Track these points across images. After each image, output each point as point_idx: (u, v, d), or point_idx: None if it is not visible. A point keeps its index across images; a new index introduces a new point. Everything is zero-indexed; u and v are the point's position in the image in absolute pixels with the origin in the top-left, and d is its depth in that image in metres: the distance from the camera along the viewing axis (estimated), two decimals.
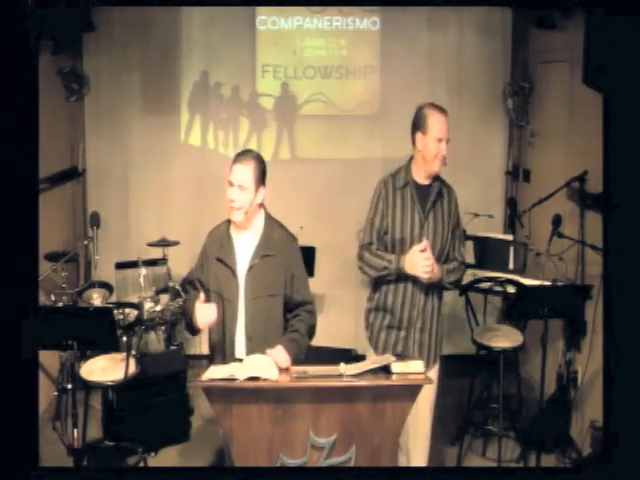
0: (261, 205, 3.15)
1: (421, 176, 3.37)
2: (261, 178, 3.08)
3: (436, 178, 3.39)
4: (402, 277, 3.34)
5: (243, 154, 3.11)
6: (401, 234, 3.36)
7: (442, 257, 3.39)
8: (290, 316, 3.17)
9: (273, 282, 3.11)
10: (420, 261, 3.24)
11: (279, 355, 2.95)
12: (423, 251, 3.23)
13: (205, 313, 3.07)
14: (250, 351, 3.07)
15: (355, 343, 4.97)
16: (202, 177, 5.64)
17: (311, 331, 3.21)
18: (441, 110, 3.33)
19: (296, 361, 3.02)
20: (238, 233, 3.15)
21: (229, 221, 3.17)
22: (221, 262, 3.12)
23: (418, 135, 3.32)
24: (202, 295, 3.10)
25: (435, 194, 3.37)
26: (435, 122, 3.30)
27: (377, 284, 3.45)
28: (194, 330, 3.16)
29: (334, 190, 5.48)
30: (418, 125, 3.32)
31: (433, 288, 3.39)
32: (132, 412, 4.23)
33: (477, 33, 5.62)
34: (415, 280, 3.32)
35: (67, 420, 4.29)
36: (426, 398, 3.25)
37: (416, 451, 3.51)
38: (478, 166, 5.76)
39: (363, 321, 3.56)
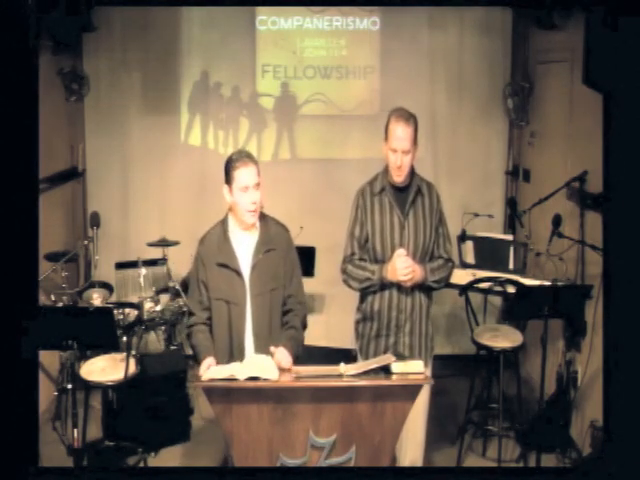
0: None
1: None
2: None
3: (414, 177, 3.36)
4: (386, 284, 3.32)
5: (240, 158, 3.06)
6: (381, 239, 3.33)
7: (427, 256, 3.36)
8: (284, 309, 3.19)
9: (275, 276, 3.13)
10: (399, 265, 3.22)
11: (282, 356, 2.97)
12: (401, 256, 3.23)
13: (211, 374, 2.91)
14: (257, 348, 3.09)
15: (355, 343, 4.97)
16: (202, 177, 5.64)
17: (304, 322, 3.23)
18: (405, 119, 3.22)
19: (295, 356, 3.04)
20: (236, 234, 3.13)
21: (222, 224, 3.16)
22: (223, 266, 3.10)
23: (384, 142, 3.30)
24: (212, 351, 3.06)
25: (413, 194, 3.34)
26: (392, 132, 3.23)
27: (363, 294, 3.43)
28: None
29: (334, 190, 5.48)
30: (385, 131, 3.29)
31: (419, 289, 3.35)
32: (132, 412, 4.23)
33: (477, 33, 5.62)
34: (399, 285, 3.30)
35: (67, 420, 4.29)
36: (419, 400, 3.22)
37: (410, 453, 3.48)
38: (478, 166, 5.76)
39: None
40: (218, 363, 3.02)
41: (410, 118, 3.24)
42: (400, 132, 3.21)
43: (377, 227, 3.34)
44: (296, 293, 3.20)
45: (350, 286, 3.40)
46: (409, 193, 3.34)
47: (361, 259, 3.38)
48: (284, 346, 3.02)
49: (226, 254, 3.11)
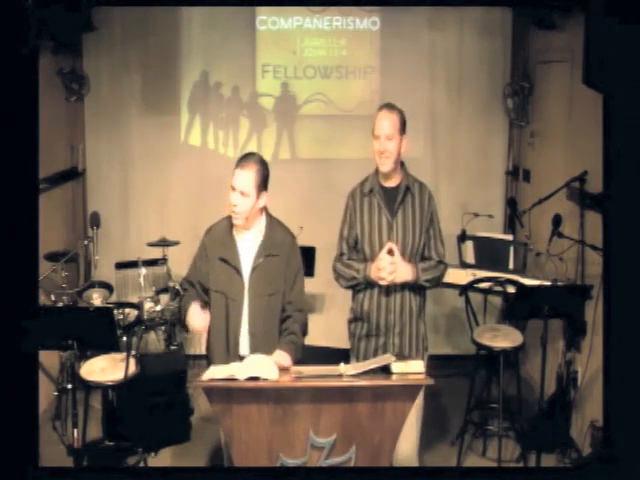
0: (263, 208, 3.16)
1: (386, 179, 3.35)
2: (263, 183, 3.09)
3: (405, 177, 3.36)
4: (375, 284, 3.31)
5: (245, 158, 3.10)
6: (370, 240, 3.34)
7: (416, 256, 3.35)
8: (284, 315, 3.19)
9: (275, 280, 3.14)
10: (375, 265, 3.24)
11: (280, 358, 2.99)
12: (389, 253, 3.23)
13: (198, 320, 3.10)
14: (253, 347, 3.12)
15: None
16: (202, 177, 5.65)
17: (304, 329, 3.24)
18: (388, 108, 3.28)
19: (294, 361, 3.05)
20: (240, 233, 3.16)
21: (230, 220, 3.17)
22: (225, 262, 3.13)
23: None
24: (199, 302, 3.13)
25: (402, 194, 3.33)
26: (375, 121, 3.28)
27: (355, 294, 3.44)
28: (186, 328, 3.21)
29: (334, 190, 5.46)
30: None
31: (409, 290, 3.35)
32: (132, 412, 4.23)
33: (477, 33, 5.62)
34: (388, 285, 3.29)
35: (67, 420, 4.29)
36: None
37: (404, 452, 3.43)
38: (478, 166, 5.76)
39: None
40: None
41: (394, 108, 3.29)
42: (382, 118, 3.25)
43: (366, 228, 3.35)
44: (297, 300, 3.20)
45: (340, 284, 3.43)
46: (398, 193, 3.34)
47: (350, 258, 3.39)
48: (283, 349, 3.04)
49: (228, 250, 3.15)
